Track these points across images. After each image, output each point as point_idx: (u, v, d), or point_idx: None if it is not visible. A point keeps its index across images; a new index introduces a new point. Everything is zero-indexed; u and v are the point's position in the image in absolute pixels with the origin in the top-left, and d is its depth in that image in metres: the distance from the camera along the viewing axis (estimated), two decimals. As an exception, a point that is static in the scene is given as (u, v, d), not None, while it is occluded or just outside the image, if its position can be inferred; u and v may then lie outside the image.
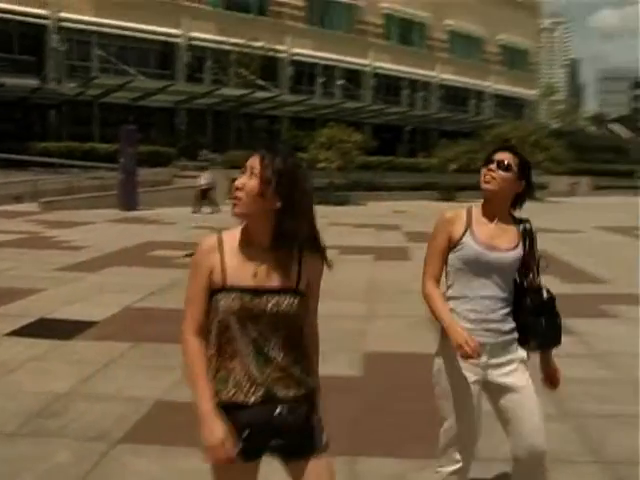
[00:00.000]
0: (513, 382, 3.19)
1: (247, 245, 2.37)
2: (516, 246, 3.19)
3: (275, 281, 2.34)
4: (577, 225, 22.76)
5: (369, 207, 30.46)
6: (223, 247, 2.38)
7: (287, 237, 2.30)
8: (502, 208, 3.23)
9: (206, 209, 25.08)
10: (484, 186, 3.16)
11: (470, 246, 3.15)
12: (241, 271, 2.33)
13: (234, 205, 2.30)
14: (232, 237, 2.41)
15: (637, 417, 5.24)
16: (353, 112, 45.32)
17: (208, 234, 2.44)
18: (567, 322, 8.20)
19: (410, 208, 29.32)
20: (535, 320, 3.20)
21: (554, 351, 3.34)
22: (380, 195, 34.19)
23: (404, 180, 37.34)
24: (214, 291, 2.35)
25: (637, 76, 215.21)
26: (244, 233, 2.39)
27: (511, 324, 3.21)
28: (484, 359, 3.14)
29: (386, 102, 50.90)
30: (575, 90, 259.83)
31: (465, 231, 3.18)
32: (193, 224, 20.40)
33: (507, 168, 3.14)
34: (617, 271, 12.71)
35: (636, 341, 7.58)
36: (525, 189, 3.23)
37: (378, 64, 53.96)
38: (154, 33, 41.97)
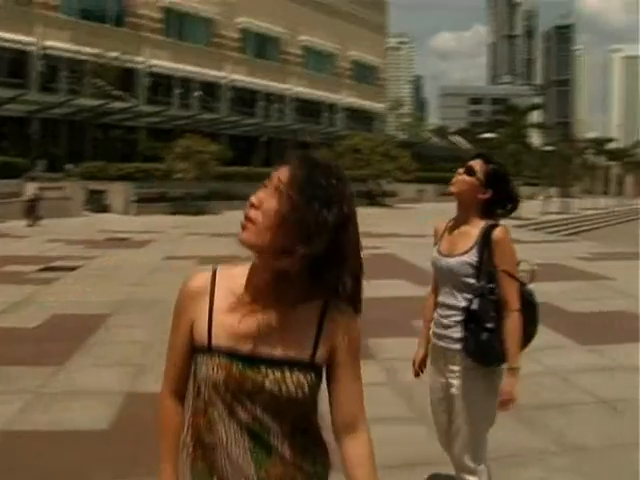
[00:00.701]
0: (453, 393, 3.18)
1: (250, 292, 1.64)
2: (467, 251, 3.09)
3: (281, 347, 1.60)
4: (424, 229, 23.28)
5: (226, 216, 29.94)
6: (215, 290, 1.68)
7: (311, 290, 1.60)
8: (467, 213, 3.17)
9: (29, 221, 23.68)
10: (449, 189, 3.19)
11: (434, 252, 3.29)
12: (234, 327, 1.61)
13: (243, 229, 1.57)
14: (231, 277, 1.70)
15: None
16: (210, 123, 44.73)
17: (200, 270, 1.76)
18: (415, 324, 8.24)
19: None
20: (464, 330, 3.07)
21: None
22: (237, 204, 33.78)
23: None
24: (196, 349, 1.67)
25: (472, 93, 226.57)
26: (250, 274, 1.66)
27: (462, 333, 3.10)
28: (442, 362, 3.23)
29: (242, 114, 50.62)
30: (419, 104, 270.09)
31: (439, 239, 3.32)
32: (46, 237, 19.27)
33: (470, 173, 3.12)
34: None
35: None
36: (495, 198, 3.14)
37: (234, 77, 53.64)
38: (5, 40, 39.62)
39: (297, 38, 60.18)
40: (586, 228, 34.62)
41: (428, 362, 3.40)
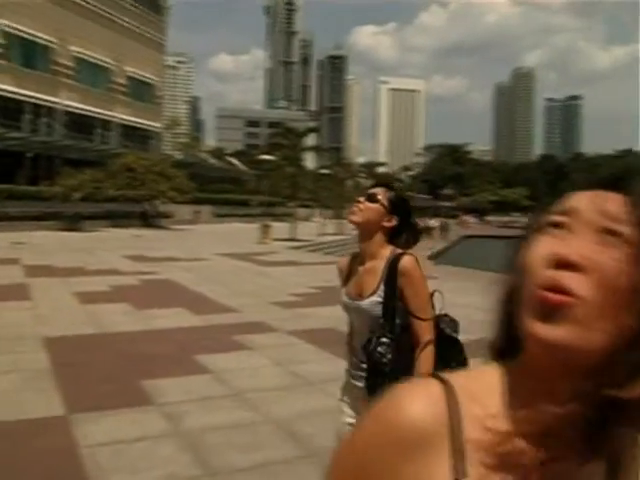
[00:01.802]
0: None
1: (529, 428, 0.79)
2: (375, 290, 2.87)
3: None
4: (202, 253, 22.72)
5: (-13, 239, 27.40)
6: (461, 426, 0.80)
7: None
8: (372, 245, 2.95)
9: None
10: (349, 218, 2.97)
11: (342, 296, 3.04)
12: None
13: (554, 309, 0.76)
14: (475, 396, 0.84)
15: (289, 463, 4.75)
16: (-33, 136, 41.02)
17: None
18: (202, 359, 7.66)
19: (31, 239, 26.99)
20: (368, 374, 2.82)
21: None
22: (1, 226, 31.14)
23: (26, 209, 34.55)
24: None
25: (249, 116, 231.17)
26: (525, 392, 0.83)
27: None
28: (358, 402, 2.97)
29: (5, 127, 46.95)
30: (196, 125, 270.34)
31: (344, 279, 3.07)
32: None
33: (373, 199, 2.93)
34: (243, 298, 12.59)
35: (270, 372, 7.24)
36: (401, 225, 2.96)
37: (-3, 86, 49.73)
38: None
39: (68, 48, 57.12)
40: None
41: (343, 403, 3.12)
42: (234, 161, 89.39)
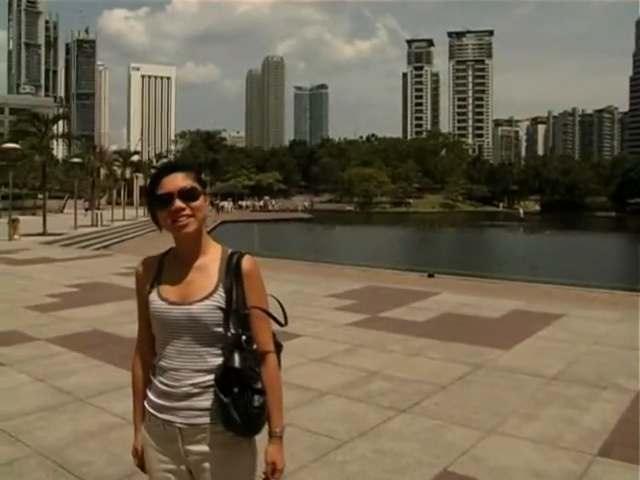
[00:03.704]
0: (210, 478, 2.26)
1: None
2: (213, 292, 2.25)
3: None
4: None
5: None
6: None
7: None
8: (199, 242, 2.33)
9: None
10: (182, 232, 2.26)
11: (154, 302, 2.32)
12: None
13: None
14: None
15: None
16: None
17: None
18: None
19: None
20: (224, 396, 2.17)
21: None
22: None
23: None
24: None
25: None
26: None
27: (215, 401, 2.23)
28: (179, 445, 2.27)
29: None
30: None
31: (153, 282, 2.37)
32: None
33: (196, 196, 2.28)
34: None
35: (30, 391, 6.36)
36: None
37: None
38: None
39: None
40: (117, 240, 34.32)
41: (149, 448, 2.38)
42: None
